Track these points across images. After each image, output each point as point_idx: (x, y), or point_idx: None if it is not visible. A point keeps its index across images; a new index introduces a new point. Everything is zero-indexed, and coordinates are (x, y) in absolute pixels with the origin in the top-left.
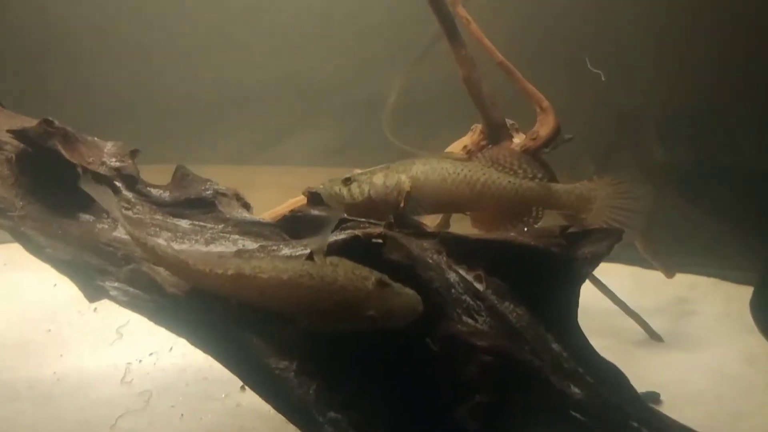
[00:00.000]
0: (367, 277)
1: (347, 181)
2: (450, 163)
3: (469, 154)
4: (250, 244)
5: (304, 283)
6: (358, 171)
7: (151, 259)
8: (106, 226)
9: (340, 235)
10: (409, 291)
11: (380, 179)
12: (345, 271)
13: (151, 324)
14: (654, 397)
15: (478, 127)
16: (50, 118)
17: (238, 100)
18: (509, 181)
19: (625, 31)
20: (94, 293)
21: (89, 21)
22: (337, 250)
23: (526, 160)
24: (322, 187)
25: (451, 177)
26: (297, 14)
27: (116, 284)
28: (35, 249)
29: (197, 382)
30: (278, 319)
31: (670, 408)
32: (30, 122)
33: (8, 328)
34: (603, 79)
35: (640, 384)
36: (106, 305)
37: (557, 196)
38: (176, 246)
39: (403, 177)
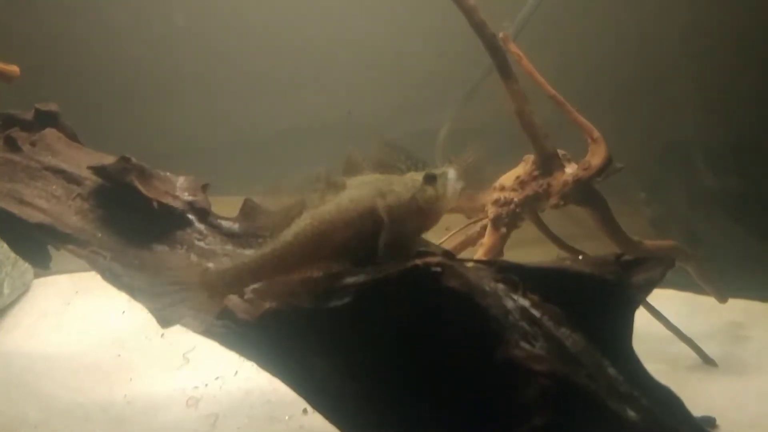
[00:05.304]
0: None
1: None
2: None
3: (522, 185)
4: None
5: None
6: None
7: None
8: (180, 256)
9: (398, 267)
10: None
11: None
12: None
13: (217, 349)
14: (710, 421)
15: (530, 157)
16: (127, 156)
17: (295, 135)
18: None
19: (670, 63)
20: (167, 319)
21: (157, 61)
22: (397, 280)
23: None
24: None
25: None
26: (352, 53)
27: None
28: (112, 278)
29: (262, 405)
30: (345, 346)
31: None
32: (107, 158)
33: (81, 352)
34: None
35: (696, 408)
36: (172, 332)
37: None
38: None
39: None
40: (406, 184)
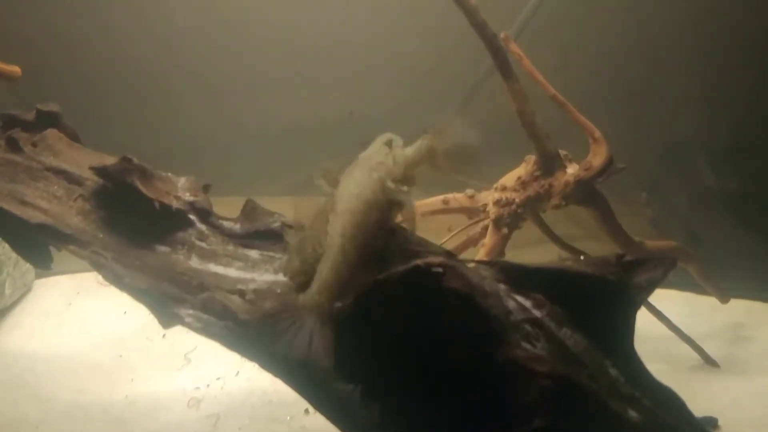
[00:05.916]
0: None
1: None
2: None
3: (523, 185)
4: None
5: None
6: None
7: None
8: (181, 257)
9: (400, 267)
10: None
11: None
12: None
13: (218, 350)
14: (712, 422)
15: (532, 158)
16: (129, 156)
17: (295, 135)
18: None
19: (671, 63)
20: (169, 320)
21: (157, 60)
22: (398, 281)
23: None
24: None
25: None
26: (352, 53)
27: (191, 311)
28: (114, 278)
29: (263, 406)
30: (346, 346)
31: None
32: (108, 159)
33: (82, 353)
34: None
35: (697, 409)
36: (173, 332)
37: None
38: (247, 274)
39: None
40: (385, 153)
